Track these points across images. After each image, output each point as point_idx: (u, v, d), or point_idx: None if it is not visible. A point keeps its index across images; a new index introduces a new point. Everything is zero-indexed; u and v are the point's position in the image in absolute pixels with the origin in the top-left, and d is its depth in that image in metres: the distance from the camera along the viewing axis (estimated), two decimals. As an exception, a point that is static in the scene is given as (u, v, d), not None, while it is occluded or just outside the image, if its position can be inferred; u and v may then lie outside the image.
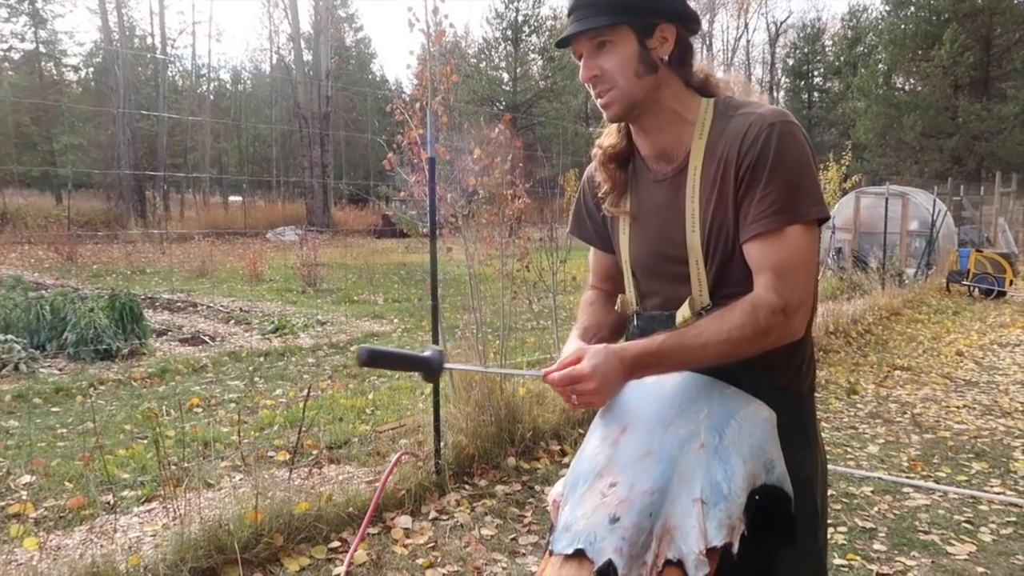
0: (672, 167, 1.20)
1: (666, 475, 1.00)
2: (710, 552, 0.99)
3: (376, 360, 1.15)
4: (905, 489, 3.39)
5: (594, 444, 1.12)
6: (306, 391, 3.56)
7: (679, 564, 0.97)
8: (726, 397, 1.11)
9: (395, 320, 8.13)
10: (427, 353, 1.19)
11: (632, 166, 1.27)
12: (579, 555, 1.00)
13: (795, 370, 1.19)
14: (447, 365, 1.21)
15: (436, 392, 3.30)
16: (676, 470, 1.01)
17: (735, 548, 1.01)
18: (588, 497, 1.04)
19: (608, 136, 1.29)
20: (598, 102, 1.19)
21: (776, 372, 1.17)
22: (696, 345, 1.07)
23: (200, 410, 4.51)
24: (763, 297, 1.07)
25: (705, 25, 43.53)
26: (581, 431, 3.67)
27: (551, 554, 1.04)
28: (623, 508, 0.99)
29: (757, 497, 1.06)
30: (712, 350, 1.07)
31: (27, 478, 3.27)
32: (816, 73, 38.57)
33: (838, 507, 3.15)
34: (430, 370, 1.19)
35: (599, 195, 1.32)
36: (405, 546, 2.72)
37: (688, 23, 1.17)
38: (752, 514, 1.04)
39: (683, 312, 1.19)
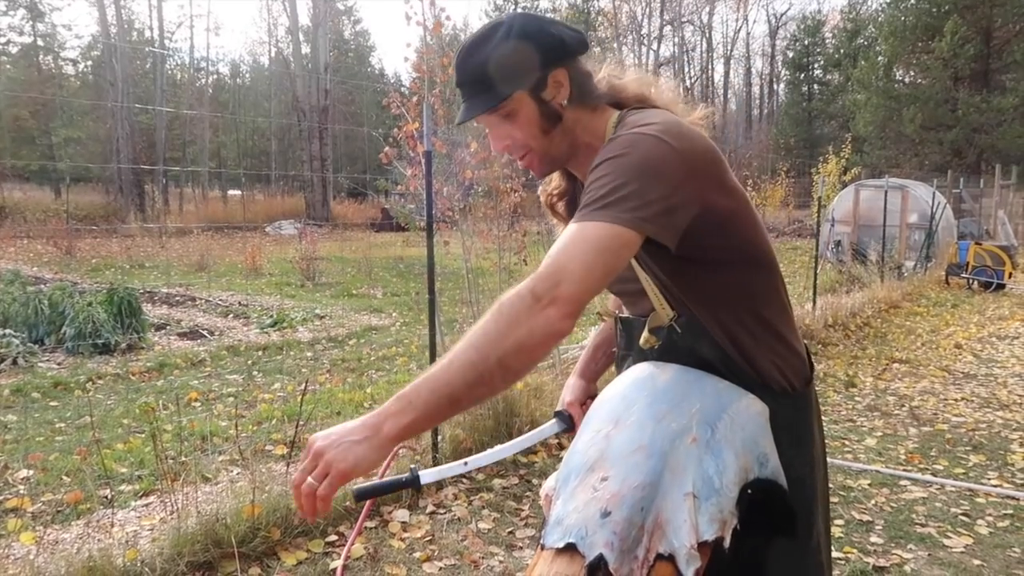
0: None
1: (657, 470, 1.00)
2: (701, 546, 0.98)
3: (368, 494, 1.16)
4: (902, 482, 3.40)
5: (586, 438, 1.11)
6: (304, 385, 3.56)
7: (670, 558, 0.97)
8: (719, 391, 1.10)
9: (393, 314, 8.13)
10: (406, 475, 1.18)
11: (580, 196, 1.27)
12: (570, 549, 0.99)
13: (778, 366, 1.17)
14: (424, 475, 1.18)
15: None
16: (668, 464, 1.00)
17: (727, 542, 1.01)
18: (580, 491, 1.04)
19: (551, 179, 1.29)
20: (519, 165, 1.20)
21: (760, 369, 1.15)
22: (441, 366, 0.94)
23: (198, 404, 4.51)
24: (517, 286, 0.97)
25: (704, 17, 43.35)
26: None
27: (543, 548, 1.04)
28: (614, 503, 0.98)
29: (750, 491, 1.05)
30: (458, 363, 0.93)
31: (25, 472, 3.28)
32: (816, 65, 38.45)
33: (835, 500, 3.15)
34: (416, 485, 1.19)
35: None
36: (402, 540, 2.72)
37: (577, 55, 1.14)
38: (745, 508, 1.04)
39: (650, 323, 1.17)
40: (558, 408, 1.42)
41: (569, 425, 1.42)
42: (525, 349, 0.95)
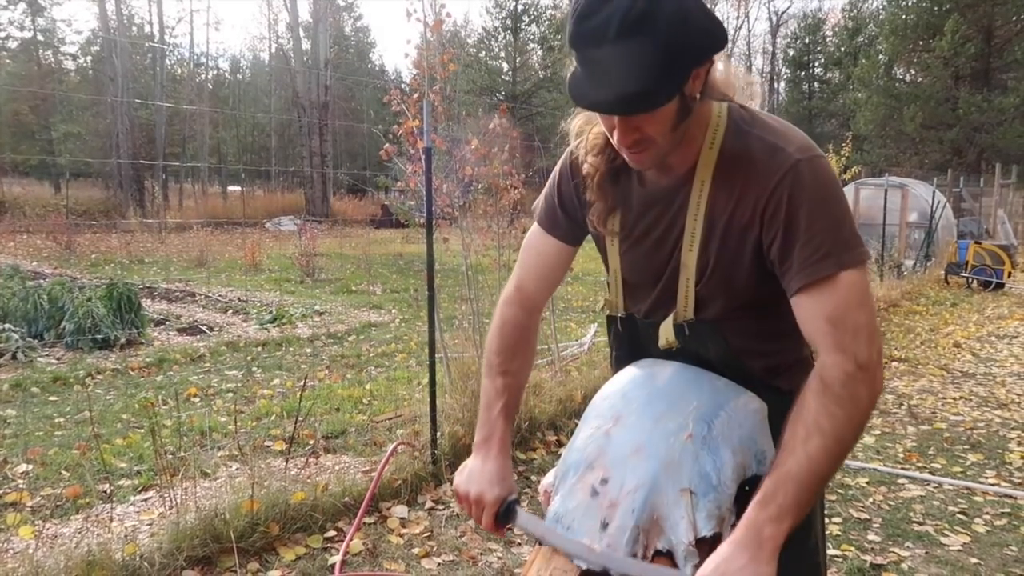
0: (673, 179, 1.08)
1: (652, 470, 1.00)
2: (700, 542, 0.99)
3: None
4: (900, 480, 3.40)
5: (586, 434, 1.12)
6: (303, 381, 3.56)
7: (668, 554, 0.97)
8: (716, 389, 1.10)
9: (393, 310, 8.13)
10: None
11: (622, 177, 1.15)
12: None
13: (785, 367, 1.17)
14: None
15: (432, 382, 3.30)
16: (664, 464, 1.01)
17: (725, 539, 1.01)
18: (579, 488, 1.04)
19: (597, 150, 1.13)
20: (629, 156, 1.03)
21: (767, 370, 1.15)
22: (797, 462, 0.93)
23: (197, 400, 4.51)
24: (829, 365, 0.95)
25: (706, 15, 43.21)
26: (577, 422, 3.68)
27: (541, 544, 1.04)
28: (612, 513, 0.99)
29: (748, 488, 1.06)
30: (816, 454, 0.92)
31: (24, 467, 3.28)
32: (817, 64, 38.41)
33: (833, 498, 3.16)
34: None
35: (589, 214, 1.18)
36: (401, 535, 2.73)
37: (721, 50, 1.01)
38: (743, 505, 1.04)
39: (666, 326, 1.14)
40: (510, 498, 1.17)
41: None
42: (868, 417, 0.98)
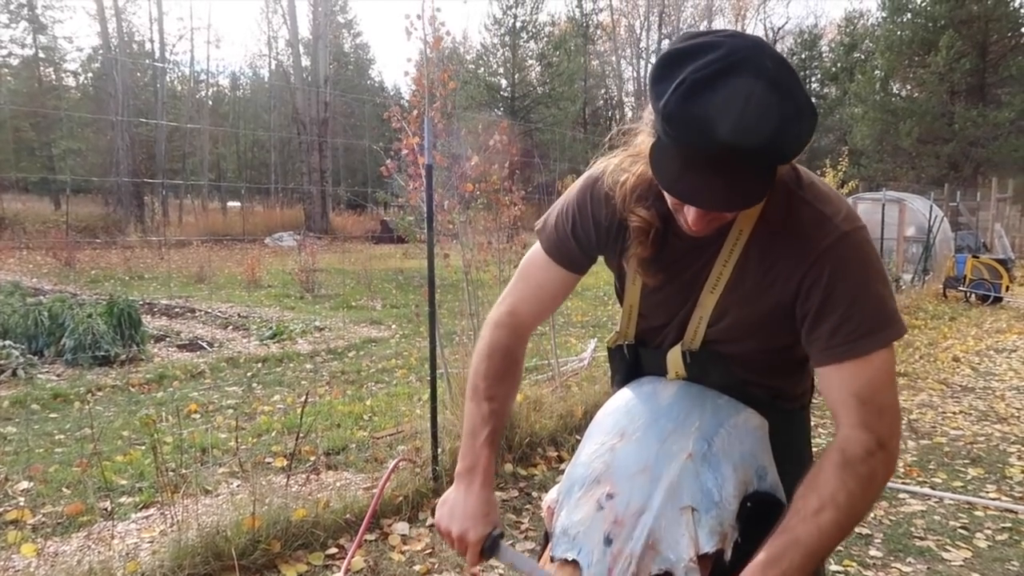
0: (713, 232, 1.03)
1: (655, 493, 1.02)
2: (702, 559, 1.00)
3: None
4: (901, 495, 3.40)
5: (590, 450, 1.13)
6: (304, 397, 3.56)
7: (667, 575, 0.98)
8: (718, 407, 1.12)
9: (393, 326, 8.14)
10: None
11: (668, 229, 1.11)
12: (576, 563, 1.01)
13: (794, 396, 1.20)
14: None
15: (433, 398, 3.31)
16: (663, 485, 1.02)
17: (727, 555, 1.02)
18: (584, 502, 1.06)
19: (648, 201, 1.06)
20: (689, 229, 0.97)
21: (782, 396, 1.17)
22: (808, 531, 0.93)
23: (198, 416, 4.51)
24: (854, 441, 0.96)
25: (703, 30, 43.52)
26: (578, 437, 3.68)
27: (552, 560, 1.05)
28: (616, 530, 1.00)
29: (749, 504, 1.07)
30: (828, 528, 0.93)
31: (25, 484, 3.28)
32: (813, 79, 38.70)
33: (834, 513, 3.15)
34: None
35: (627, 262, 1.13)
36: (402, 552, 2.72)
37: None
38: (745, 521, 1.05)
39: (675, 356, 1.15)
40: (495, 532, 1.15)
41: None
42: (880, 495, 1.01)
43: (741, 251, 1.03)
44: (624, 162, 1.08)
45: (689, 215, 0.94)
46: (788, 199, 1.00)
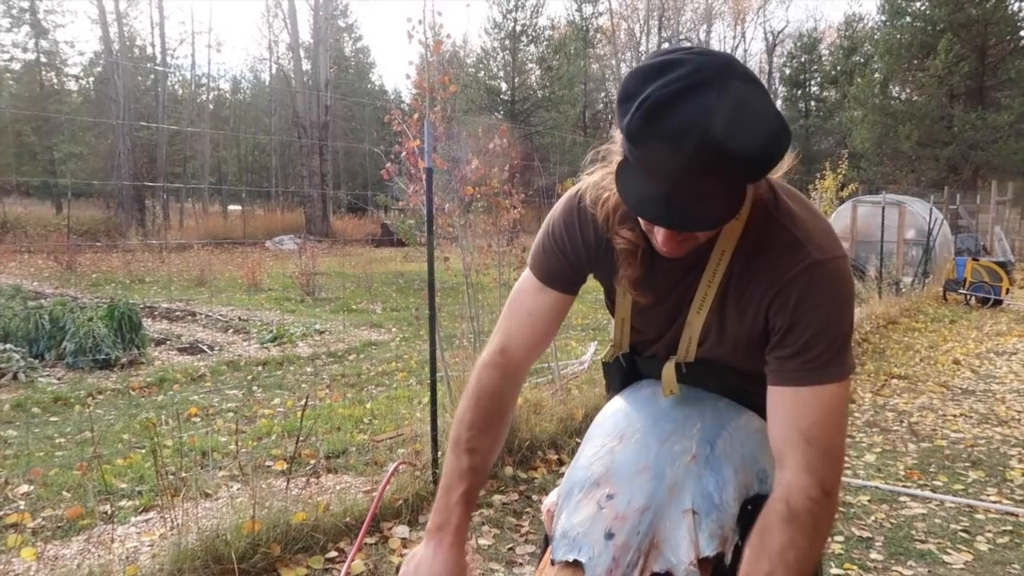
0: (697, 251, 1.03)
1: (659, 493, 1.02)
2: (702, 562, 1.00)
3: None
4: (902, 498, 3.40)
5: (590, 452, 1.13)
6: (304, 400, 3.56)
7: (667, 575, 0.98)
8: (719, 410, 1.12)
9: (393, 329, 8.14)
10: None
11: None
12: (577, 564, 1.01)
13: None
14: None
15: (434, 402, 3.31)
16: (667, 485, 1.02)
17: (728, 558, 1.02)
18: (584, 504, 1.06)
19: (632, 221, 1.04)
20: (663, 249, 0.95)
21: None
22: None
23: (198, 419, 4.51)
24: (796, 488, 0.93)
25: (702, 35, 43.75)
26: (578, 440, 3.68)
27: (552, 562, 1.06)
28: (618, 525, 1.00)
29: (750, 507, 1.07)
30: None
31: (25, 488, 3.27)
32: (813, 82, 38.77)
33: (835, 517, 3.15)
34: None
35: (617, 282, 1.12)
36: (402, 556, 2.72)
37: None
38: (745, 525, 1.05)
39: (668, 373, 1.14)
40: None
41: None
42: (826, 538, 0.99)
43: (724, 272, 1.03)
44: (604, 179, 1.05)
45: (658, 236, 0.93)
46: (766, 221, 1.00)
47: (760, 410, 1.14)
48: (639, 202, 0.86)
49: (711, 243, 1.02)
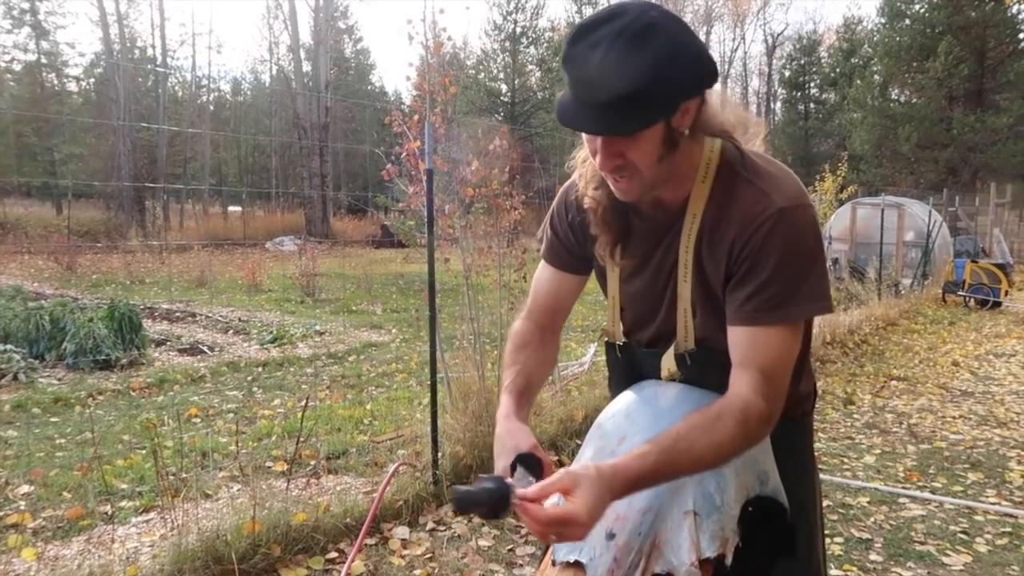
0: (667, 213, 1.11)
1: (660, 493, 1.02)
2: (703, 563, 1.00)
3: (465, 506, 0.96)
4: (901, 499, 3.40)
5: (591, 454, 1.13)
6: (304, 401, 3.57)
7: (668, 576, 0.99)
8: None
9: (393, 330, 8.15)
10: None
11: (623, 210, 1.17)
12: (578, 565, 1.02)
13: (797, 400, 1.19)
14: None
15: (434, 403, 3.31)
16: (669, 486, 1.03)
17: (728, 560, 1.03)
18: (584, 506, 1.06)
19: (596, 183, 1.13)
20: (614, 186, 1.05)
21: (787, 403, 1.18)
22: (689, 460, 0.98)
23: (198, 420, 4.51)
24: (753, 405, 1.00)
25: (702, 37, 43.76)
26: (579, 442, 3.68)
27: (553, 563, 1.06)
28: (619, 525, 1.01)
29: (751, 509, 1.07)
30: (703, 465, 1.00)
31: (25, 488, 3.28)
32: (812, 84, 38.79)
33: (834, 518, 3.16)
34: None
35: (595, 247, 1.20)
36: (402, 557, 2.72)
37: (710, 86, 1.03)
38: (746, 526, 1.06)
39: (668, 357, 1.17)
40: (519, 453, 1.08)
41: (539, 471, 1.08)
42: (741, 452, 1.03)
43: (696, 235, 1.07)
44: (585, 161, 1.16)
45: (597, 161, 1.02)
46: (732, 179, 1.05)
47: None
48: (563, 113, 0.98)
49: (683, 208, 1.08)
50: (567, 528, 0.91)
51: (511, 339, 1.29)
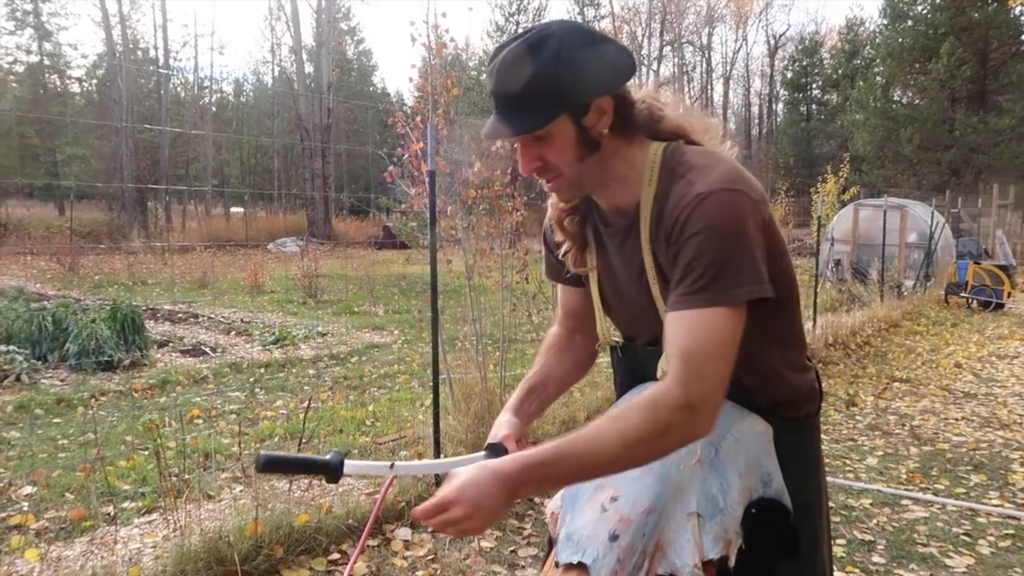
0: (627, 220, 1.14)
1: (663, 495, 1.02)
2: (706, 565, 1.00)
3: (273, 466, 1.08)
4: (904, 501, 3.40)
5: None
6: (306, 402, 3.57)
7: (670, 577, 0.99)
8: (723, 413, 1.12)
9: (395, 331, 8.15)
10: (327, 456, 1.10)
11: (591, 219, 1.22)
12: (581, 566, 1.02)
13: (789, 397, 1.18)
14: (347, 465, 1.11)
15: (436, 404, 3.31)
16: (672, 488, 1.03)
17: (731, 561, 1.03)
18: (588, 508, 1.06)
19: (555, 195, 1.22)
20: (545, 187, 1.13)
21: (771, 400, 1.16)
22: (590, 452, 0.95)
23: (201, 421, 4.52)
24: (666, 391, 0.98)
25: (704, 38, 43.79)
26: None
27: (556, 565, 1.06)
28: (623, 527, 1.01)
29: (754, 511, 1.07)
30: (607, 456, 0.96)
31: (28, 489, 3.28)
32: (814, 86, 38.80)
33: (837, 520, 3.15)
34: (330, 473, 1.10)
35: (559, 253, 1.28)
36: (405, 558, 2.73)
37: (625, 82, 1.07)
38: (749, 528, 1.06)
39: (663, 358, 1.15)
40: (490, 441, 1.27)
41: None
42: (669, 452, 1.00)
43: (649, 237, 1.10)
44: None
45: (520, 165, 1.10)
46: (671, 178, 1.07)
47: (760, 409, 1.15)
48: (484, 129, 1.08)
49: (638, 213, 1.11)
50: (447, 514, 0.95)
51: (543, 342, 1.41)
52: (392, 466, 1.16)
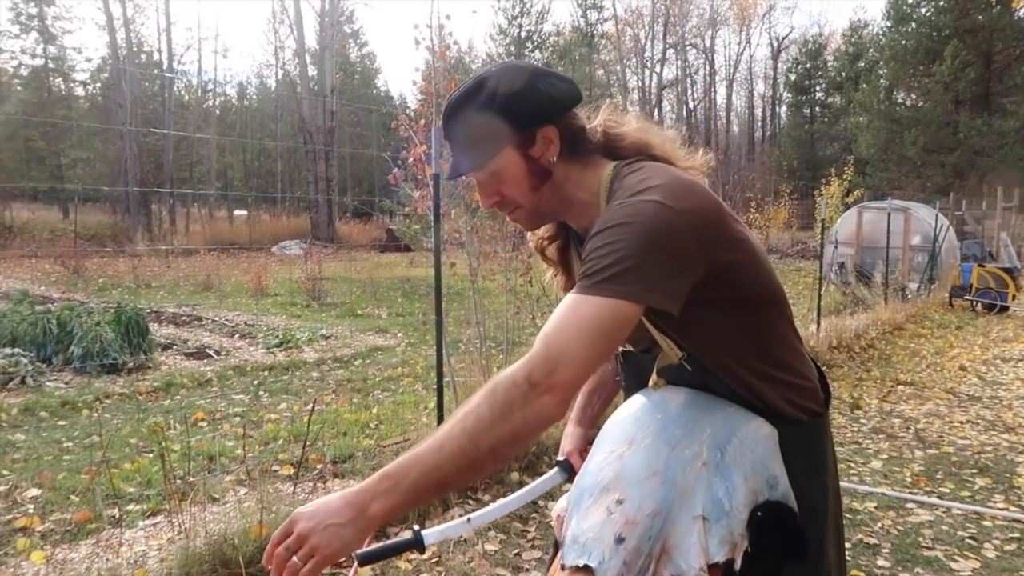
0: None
1: (670, 498, 1.02)
2: (712, 568, 1.00)
3: (369, 559, 1.08)
4: (908, 505, 3.39)
5: (599, 459, 1.13)
6: (310, 405, 3.58)
7: (677, 579, 0.99)
8: (728, 415, 1.12)
9: (399, 334, 8.16)
10: (410, 535, 1.14)
11: (573, 242, 1.26)
12: (587, 569, 1.02)
13: (788, 399, 1.16)
14: (427, 534, 1.14)
15: (440, 407, 3.32)
16: (678, 491, 1.03)
17: (737, 564, 1.03)
18: (594, 510, 1.06)
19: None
20: (508, 219, 1.22)
21: (770, 404, 1.15)
22: (431, 452, 0.92)
23: (205, 424, 4.53)
24: (509, 370, 0.95)
25: (707, 41, 43.79)
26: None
27: (562, 568, 1.06)
28: (628, 529, 1.01)
29: (760, 514, 1.07)
30: (451, 452, 0.92)
31: (34, 491, 3.29)
32: (818, 88, 38.78)
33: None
34: (416, 547, 1.13)
35: (547, 279, 1.36)
36: (409, 561, 2.73)
37: (568, 110, 1.12)
38: (755, 531, 1.06)
39: (659, 363, 1.17)
40: (559, 457, 1.36)
41: (571, 474, 1.36)
42: (519, 437, 0.95)
43: None
44: None
45: (481, 202, 1.19)
46: (611, 198, 1.09)
47: (763, 411, 1.15)
48: (447, 170, 1.20)
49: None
50: (294, 527, 0.93)
51: None
52: (469, 519, 1.18)
